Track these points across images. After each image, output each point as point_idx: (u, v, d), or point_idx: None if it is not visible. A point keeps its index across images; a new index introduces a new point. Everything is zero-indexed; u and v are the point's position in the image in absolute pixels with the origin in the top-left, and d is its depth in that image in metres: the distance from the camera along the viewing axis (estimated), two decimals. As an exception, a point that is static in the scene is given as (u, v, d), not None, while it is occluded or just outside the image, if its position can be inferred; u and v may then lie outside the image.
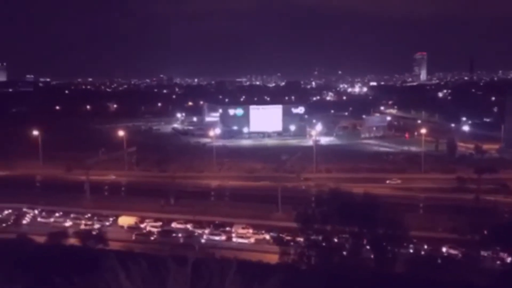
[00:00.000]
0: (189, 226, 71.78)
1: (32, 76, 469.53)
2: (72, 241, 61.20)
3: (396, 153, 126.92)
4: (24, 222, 75.06)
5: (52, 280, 8.82)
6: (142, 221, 74.14)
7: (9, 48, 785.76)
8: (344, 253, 46.12)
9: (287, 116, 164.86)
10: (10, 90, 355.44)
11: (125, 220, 74.20)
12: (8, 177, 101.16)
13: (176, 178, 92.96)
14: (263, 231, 68.07)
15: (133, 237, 67.41)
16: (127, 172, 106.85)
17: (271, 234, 64.88)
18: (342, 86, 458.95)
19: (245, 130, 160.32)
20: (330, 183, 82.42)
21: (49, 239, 60.25)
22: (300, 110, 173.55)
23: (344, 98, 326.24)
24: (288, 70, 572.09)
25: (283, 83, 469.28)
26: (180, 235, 68.76)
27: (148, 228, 71.92)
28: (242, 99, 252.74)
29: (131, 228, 72.06)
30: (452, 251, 58.02)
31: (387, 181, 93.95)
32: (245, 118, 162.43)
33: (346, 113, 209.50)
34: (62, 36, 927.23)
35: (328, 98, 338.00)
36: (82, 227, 70.81)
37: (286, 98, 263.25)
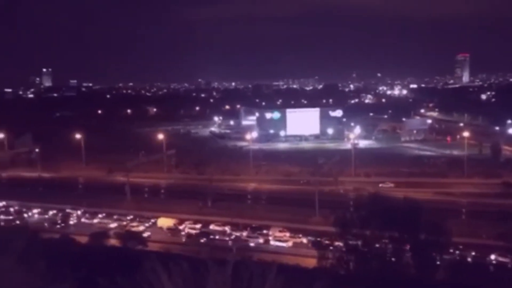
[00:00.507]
0: (227, 228, 72.23)
1: (75, 81, 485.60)
2: (113, 241, 62.72)
3: (437, 157, 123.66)
4: (71, 223, 77.05)
5: (96, 280, 9.03)
6: (180, 223, 75.22)
7: (55, 54, 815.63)
8: (384, 258, 45.16)
9: (325, 119, 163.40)
10: (55, 95, 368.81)
11: (164, 222, 75.41)
12: (53, 178, 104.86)
13: (214, 181, 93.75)
14: (300, 235, 67.71)
15: (183, 240, 68.03)
16: (166, 174, 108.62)
17: (309, 238, 64.42)
18: (381, 88, 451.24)
19: (282, 133, 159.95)
20: (369, 187, 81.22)
21: (91, 239, 61.91)
22: (338, 113, 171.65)
23: (383, 100, 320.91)
24: (326, 73, 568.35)
25: (320, 86, 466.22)
26: (218, 237, 69.23)
27: (186, 230, 72.85)
28: (279, 103, 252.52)
29: (170, 230, 73.25)
30: (502, 259, 55.75)
31: (380, 185, 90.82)
32: (282, 122, 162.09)
33: (386, 116, 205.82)
34: (104, 42, 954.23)
35: (366, 100, 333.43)
36: (128, 228, 72.35)
37: (324, 101, 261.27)
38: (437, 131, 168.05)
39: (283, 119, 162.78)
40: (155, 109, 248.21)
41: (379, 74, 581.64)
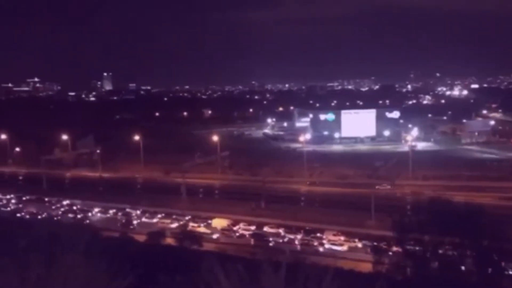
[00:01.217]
0: (281, 230, 72.18)
1: (134, 84, 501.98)
2: (169, 241, 64.34)
3: (500, 160, 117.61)
4: (135, 222, 79.46)
5: (155, 277, 9.23)
6: (235, 224, 75.98)
7: (115, 59, 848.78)
8: (443, 264, 43.45)
9: (381, 120, 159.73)
10: (115, 98, 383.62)
11: (219, 222, 76.44)
12: (113, 178, 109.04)
13: (267, 183, 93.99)
14: (355, 239, 66.58)
15: (252, 242, 68.76)
16: (220, 175, 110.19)
17: (364, 242, 63.19)
18: (441, 89, 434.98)
19: (337, 135, 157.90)
20: (427, 191, 78.59)
21: (149, 238, 63.80)
22: (395, 114, 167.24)
23: (443, 101, 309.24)
24: (382, 73, 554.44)
25: (376, 87, 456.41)
26: (271, 239, 69.31)
27: (240, 231, 73.48)
28: (333, 104, 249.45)
29: (224, 230, 74.15)
30: None
31: (377, 187, 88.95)
32: (337, 123, 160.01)
33: (445, 118, 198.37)
34: (161, 47, 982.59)
35: (425, 101, 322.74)
36: (190, 228, 73.93)
37: (380, 102, 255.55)
38: (501, 133, 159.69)
39: (337, 120, 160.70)
40: (210, 111, 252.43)
41: (438, 74, 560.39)
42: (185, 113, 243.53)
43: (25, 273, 7.08)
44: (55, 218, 77.20)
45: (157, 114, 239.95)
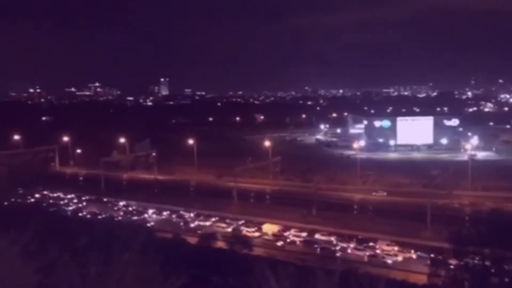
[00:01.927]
0: (332, 238, 71.24)
1: (190, 90, 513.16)
2: (220, 244, 65.09)
3: None
4: (192, 225, 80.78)
5: (208, 278, 9.34)
6: (285, 230, 75.77)
7: (172, 65, 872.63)
8: (504, 279, 41.28)
9: (439, 128, 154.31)
10: (171, 102, 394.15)
11: (269, 228, 76.52)
12: (167, 181, 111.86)
13: (319, 189, 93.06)
14: (409, 250, 64.61)
15: (303, 248, 68.44)
16: (272, 181, 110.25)
17: (419, 253, 61.23)
18: (504, 96, 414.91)
19: (392, 142, 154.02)
20: (487, 202, 75.08)
21: (201, 241, 64.87)
22: (454, 122, 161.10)
23: (506, 109, 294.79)
24: (441, 80, 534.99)
25: (434, 93, 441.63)
26: (323, 246, 68.54)
27: (291, 237, 73.17)
28: (389, 110, 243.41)
29: (275, 236, 74.11)
30: None
31: (373, 193, 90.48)
32: (392, 130, 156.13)
33: (508, 126, 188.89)
34: (216, 53, 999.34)
35: (486, 109, 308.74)
36: (241, 232, 74.56)
37: (438, 109, 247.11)
38: None
39: (393, 127, 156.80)
40: (262, 117, 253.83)
41: (500, 81, 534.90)
42: (237, 118, 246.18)
43: (85, 270, 7.37)
44: (113, 218, 79.97)
45: (210, 118, 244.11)
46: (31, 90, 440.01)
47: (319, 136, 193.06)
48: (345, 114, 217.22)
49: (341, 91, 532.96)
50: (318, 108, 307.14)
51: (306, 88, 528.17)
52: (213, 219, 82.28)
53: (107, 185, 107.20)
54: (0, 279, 5.34)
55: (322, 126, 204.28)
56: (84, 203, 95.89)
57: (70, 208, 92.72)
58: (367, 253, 65.37)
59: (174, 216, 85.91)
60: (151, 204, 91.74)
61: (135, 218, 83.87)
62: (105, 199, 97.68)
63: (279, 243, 71.19)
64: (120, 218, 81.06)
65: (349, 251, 66.77)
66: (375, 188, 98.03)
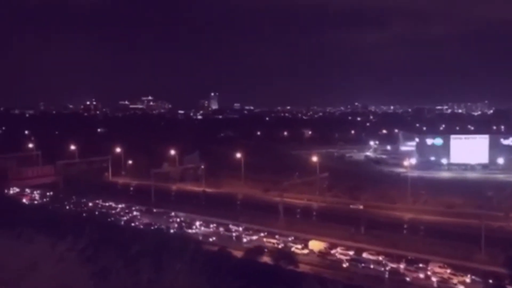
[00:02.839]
0: (381, 258, 69.38)
1: (238, 104, 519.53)
2: (266, 259, 64.81)
3: None
4: (245, 240, 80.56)
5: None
6: (331, 247, 74.55)
7: (222, 79, 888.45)
8: None
9: (495, 147, 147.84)
10: (220, 117, 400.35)
11: (315, 245, 75.50)
12: (215, 194, 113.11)
13: (367, 207, 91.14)
14: (463, 274, 61.85)
15: (349, 267, 67.29)
16: (319, 197, 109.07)
17: (473, 277, 58.52)
18: None
19: (444, 161, 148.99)
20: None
21: (247, 254, 64.89)
22: (511, 141, 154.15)
23: None
24: (498, 97, 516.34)
25: (490, 111, 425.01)
26: (371, 266, 66.86)
27: (338, 255, 71.88)
28: (441, 128, 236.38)
29: (321, 253, 73.05)
30: None
31: (351, 206, 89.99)
32: (445, 148, 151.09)
33: None
34: (265, 68, 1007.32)
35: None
36: (286, 248, 74.09)
37: (494, 127, 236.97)
38: None
39: (446, 145, 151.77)
40: (310, 132, 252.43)
41: None
42: (285, 133, 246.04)
43: (137, 277, 7.55)
44: (164, 229, 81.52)
45: (258, 133, 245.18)
46: (88, 103, 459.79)
47: (369, 153, 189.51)
48: (396, 131, 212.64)
49: (392, 107, 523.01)
50: (368, 124, 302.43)
51: (356, 103, 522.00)
52: (262, 234, 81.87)
53: (157, 196, 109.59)
54: (59, 282, 5.61)
55: (371, 143, 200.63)
56: (135, 213, 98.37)
57: (124, 218, 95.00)
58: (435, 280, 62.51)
59: (221, 229, 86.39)
60: (199, 216, 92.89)
61: (184, 229, 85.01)
62: (154, 210, 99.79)
63: (326, 261, 70.05)
64: (170, 228, 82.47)
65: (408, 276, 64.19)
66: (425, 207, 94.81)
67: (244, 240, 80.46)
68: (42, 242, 6.07)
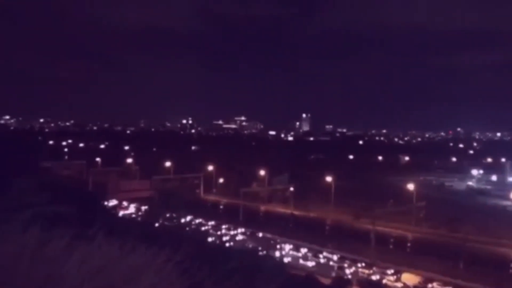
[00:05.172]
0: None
1: (331, 126, 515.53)
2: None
3: None
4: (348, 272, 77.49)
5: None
6: (427, 282, 70.13)
7: (314, 101, 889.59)
8: None
9: None
10: (311, 138, 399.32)
11: (409, 278, 71.61)
12: (303, 217, 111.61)
13: (468, 241, 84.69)
14: None
15: None
16: (414, 227, 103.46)
17: None
18: None
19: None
20: None
21: (334, 282, 62.96)
22: None
23: None
24: None
25: None
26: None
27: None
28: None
29: (415, 287, 68.98)
30: None
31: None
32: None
33: None
34: (359, 90, 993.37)
35: None
36: (385, 281, 70.97)
37: None
38: None
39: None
40: (407, 158, 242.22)
41: None
42: (380, 158, 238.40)
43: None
44: (255, 248, 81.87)
45: (350, 157, 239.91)
46: (184, 121, 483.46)
47: (471, 183, 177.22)
48: (503, 160, 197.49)
49: (498, 134, 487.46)
50: (471, 151, 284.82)
51: (458, 129, 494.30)
52: (360, 265, 78.64)
53: (245, 215, 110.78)
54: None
55: (474, 172, 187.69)
56: (223, 231, 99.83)
57: (215, 234, 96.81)
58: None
59: (310, 254, 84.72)
60: (286, 239, 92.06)
61: (273, 251, 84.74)
62: (242, 229, 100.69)
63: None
64: (261, 249, 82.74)
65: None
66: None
67: (334, 267, 78.16)
68: (143, 252, 6.17)
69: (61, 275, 5.29)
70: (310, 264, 79.64)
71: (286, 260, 77.61)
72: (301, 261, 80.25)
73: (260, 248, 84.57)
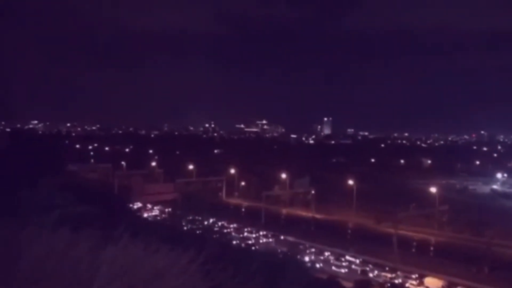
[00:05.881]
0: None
1: (352, 130, 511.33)
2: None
3: None
4: (370, 275, 76.72)
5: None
6: (450, 286, 69.24)
7: (336, 104, 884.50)
8: None
9: None
10: (333, 142, 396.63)
11: (432, 282, 70.71)
12: (324, 220, 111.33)
13: (493, 245, 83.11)
14: None
15: None
16: (436, 231, 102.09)
17: None
18: None
19: None
20: None
21: (356, 286, 62.60)
22: None
23: None
24: None
25: None
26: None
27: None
28: None
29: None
30: None
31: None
32: None
33: None
34: (381, 93, 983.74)
35: None
36: (407, 285, 70.37)
37: None
38: None
39: None
40: (429, 161, 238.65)
41: None
42: (402, 161, 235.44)
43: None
44: (277, 251, 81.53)
45: (372, 160, 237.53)
46: (207, 125, 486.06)
47: (495, 186, 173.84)
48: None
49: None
50: (495, 155, 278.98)
51: (482, 132, 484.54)
52: (371, 266, 78.35)
53: (267, 218, 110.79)
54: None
55: (499, 175, 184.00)
56: (246, 233, 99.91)
57: (237, 237, 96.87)
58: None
59: (332, 258, 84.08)
60: (307, 242, 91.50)
61: (296, 254, 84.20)
62: (264, 232, 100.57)
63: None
64: (282, 252, 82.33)
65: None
66: None
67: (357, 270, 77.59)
68: (167, 253, 6.42)
69: (88, 275, 5.54)
70: (334, 268, 78.89)
71: (318, 265, 76.00)
72: (333, 268, 78.90)
73: (287, 252, 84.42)
